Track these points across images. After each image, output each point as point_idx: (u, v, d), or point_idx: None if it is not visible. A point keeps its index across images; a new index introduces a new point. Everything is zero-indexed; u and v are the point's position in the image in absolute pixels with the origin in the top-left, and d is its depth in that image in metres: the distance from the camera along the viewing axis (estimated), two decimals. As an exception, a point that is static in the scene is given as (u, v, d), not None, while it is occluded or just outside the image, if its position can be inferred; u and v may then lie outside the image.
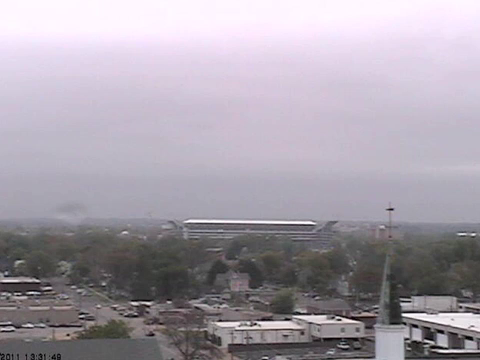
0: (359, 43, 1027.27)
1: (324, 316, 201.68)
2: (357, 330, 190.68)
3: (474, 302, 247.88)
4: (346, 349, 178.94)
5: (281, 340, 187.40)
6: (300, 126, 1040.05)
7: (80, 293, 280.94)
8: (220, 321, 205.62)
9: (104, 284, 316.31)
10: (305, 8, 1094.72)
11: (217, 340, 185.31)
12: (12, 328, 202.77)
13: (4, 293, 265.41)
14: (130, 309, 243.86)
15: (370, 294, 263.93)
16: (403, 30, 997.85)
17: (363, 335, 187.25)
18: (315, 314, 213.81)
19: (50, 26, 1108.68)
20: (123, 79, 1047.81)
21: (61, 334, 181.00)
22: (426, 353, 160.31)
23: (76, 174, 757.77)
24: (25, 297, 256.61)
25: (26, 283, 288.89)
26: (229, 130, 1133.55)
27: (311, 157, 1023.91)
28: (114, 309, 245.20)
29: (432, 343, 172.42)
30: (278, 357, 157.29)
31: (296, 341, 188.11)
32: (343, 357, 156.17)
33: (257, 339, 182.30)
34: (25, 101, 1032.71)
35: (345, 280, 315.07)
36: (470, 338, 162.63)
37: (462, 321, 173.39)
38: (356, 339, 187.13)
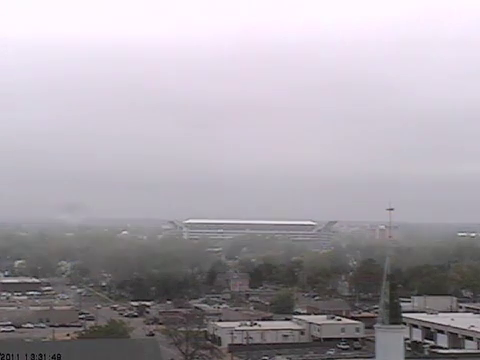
0: (359, 43, 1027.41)
1: (324, 316, 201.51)
2: (357, 330, 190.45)
3: (474, 302, 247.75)
4: (346, 349, 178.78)
5: (281, 340, 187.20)
6: (300, 126, 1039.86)
7: (80, 293, 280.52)
8: (220, 321, 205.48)
9: (104, 284, 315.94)
10: (305, 8, 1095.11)
11: (217, 340, 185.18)
12: (12, 328, 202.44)
13: (4, 293, 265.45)
14: (130, 309, 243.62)
15: (370, 294, 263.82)
16: (403, 30, 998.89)
17: (363, 335, 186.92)
18: (315, 314, 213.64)
19: (50, 26, 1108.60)
20: (123, 79, 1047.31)
21: (61, 334, 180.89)
22: (426, 353, 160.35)
23: (76, 174, 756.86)
24: (25, 297, 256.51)
25: (26, 283, 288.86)
26: (229, 130, 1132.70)
27: (311, 157, 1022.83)
28: (114, 309, 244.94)
29: (432, 343, 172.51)
30: (278, 357, 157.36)
31: (296, 341, 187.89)
32: (343, 357, 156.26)
33: (257, 339, 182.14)
34: (25, 101, 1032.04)
35: (345, 280, 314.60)
36: (470, 338, 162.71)
37: (462, 321, 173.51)
38: (356, 339, 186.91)
